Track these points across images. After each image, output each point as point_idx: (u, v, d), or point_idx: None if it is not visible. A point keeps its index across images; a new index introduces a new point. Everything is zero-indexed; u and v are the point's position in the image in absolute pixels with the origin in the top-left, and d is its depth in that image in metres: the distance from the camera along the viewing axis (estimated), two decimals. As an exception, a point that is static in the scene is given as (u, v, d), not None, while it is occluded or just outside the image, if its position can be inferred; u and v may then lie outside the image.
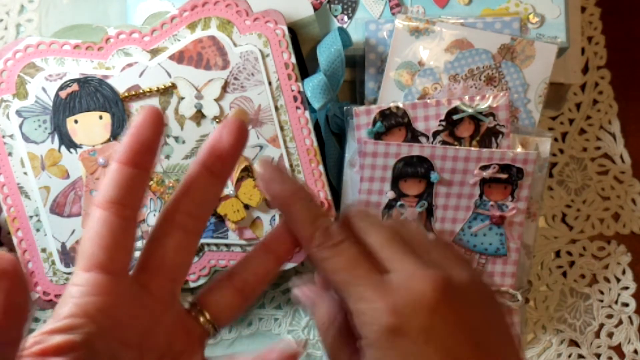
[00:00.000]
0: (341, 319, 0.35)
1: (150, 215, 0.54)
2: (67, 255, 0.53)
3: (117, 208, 0.30)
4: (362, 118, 0.54)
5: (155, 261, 0.32)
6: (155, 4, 0.57)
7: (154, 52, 0.54)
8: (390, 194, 0.54)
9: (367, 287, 0.32)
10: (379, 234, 0.35)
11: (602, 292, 0.63)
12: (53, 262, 0.53)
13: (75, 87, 0.53)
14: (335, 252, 0.33)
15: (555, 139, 0.64)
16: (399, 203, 0.54)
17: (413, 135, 0.55)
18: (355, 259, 0.33)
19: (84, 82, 0.53)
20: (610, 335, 0.62)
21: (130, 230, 0.31)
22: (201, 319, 0.33)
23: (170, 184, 0.54)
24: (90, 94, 0.53)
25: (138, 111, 0.30)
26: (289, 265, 0.55)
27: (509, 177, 0.54)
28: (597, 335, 0.62)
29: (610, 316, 0.62)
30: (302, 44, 0.57)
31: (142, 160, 0.30)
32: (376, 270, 0.33)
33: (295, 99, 0.54)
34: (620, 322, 0.63)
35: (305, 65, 0.57)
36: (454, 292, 0.32)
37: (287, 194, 0.34)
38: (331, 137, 0.57)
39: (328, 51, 0.55)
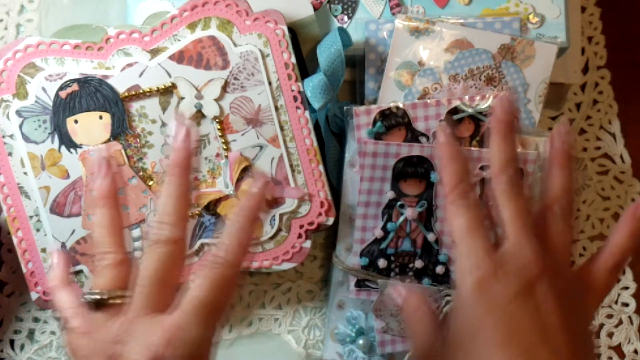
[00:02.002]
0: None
1: (151, 215, 0.54)
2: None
3: None
4: (362, 118, 0.54)
5: None
6: (155, 4, 0.57)
7: (154, 52, 0.54)
8: (390, 194, 0.54)
9: (476, 247, 0.38)
10: (514, 205, 0.39)
11: (602, 292, 0.63)
12: (53, 262, 0.53)
13: (75, 87, 0.53)
14: (466, 210, 0.39)
15: (555, 139, 0.64)
16: (399, 203, 0.54)
17: (413, 135, 0.55)
18: (478, 221, 0.39)
19: (84, 82, 0.53)
20: (610, 335, 0.62)
21: None
22: None
23: (170, 184, 0.54)
24: (90, 94, 0.53)
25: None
26: (289, 266, 0.55)
27: (509, 177, 0.54)
28: (597, 335, 0.62)
29: (610, 316, 0.62)
30: (302, 44, 0.57)
31: None
32: (490, 239, 0.39)
33: (295, 99, 0.54)
34: (620, 322, 0.63)
35: (305, 65, 0.57)
36: (550, 283, 0.38)
37: (449, 148, 0.42)
38: (331, 137, 0.57)
39: (328, 51, 0.55)
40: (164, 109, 0.54)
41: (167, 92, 0.54)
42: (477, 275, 0.37)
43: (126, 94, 0.53)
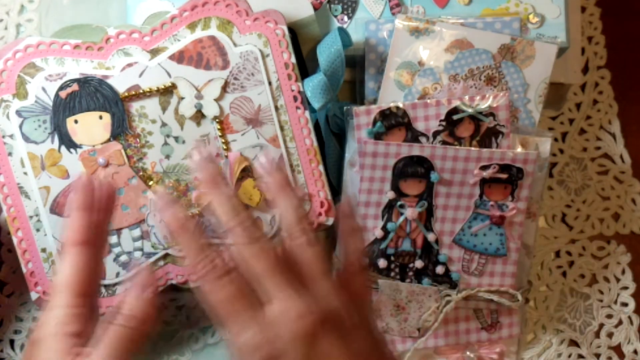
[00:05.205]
0: None
1: (151, 215, 0.54)
2: (67, 255, 0.53)
3: None
4: (362, 118, 0.54)
5: None
6: (155, 4, 0.57)
7: (154, 52, 0.54)
8: (390, 194, 0.54)
9: (244, 322, 0.35)
10: (264, 262, 0.36)
11: (602, 292, 0.63)
12: (53, 262, 0.53)
13: (75, 87, 0.53)
14: (216, 286, 0.35)
15: (555, 139, 0.64)
16: (399, 203, 0.54)
17: (413, 135, 0.55)
18: (234, 294, 0.35)
19: (84, 82, 0.53)
20: (610, 335, 0.62)
21: None
22: None
23: (170, 184, 0.54)
24: (90, 94, 0.53)
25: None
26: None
27: (509, 177, 0.54)
28: (597, 335, 0.62)
29: (610, 316, 0.63)
30: (302, 44, 0.57)
31: None
32: (255, 304, 0.35)
33: (295, 99, 0.54)
34: (620, 322, 0.63)
35: (305, 65, 0.57)
36: (331, 326, 0.35)
37: (175, 225, 0.37)
38: (331, 137, 0.57)
39: (328, 51, 0.55)
40: (164, 109, 0.54)
41: (167, 92, 0.54)
42: (258, 355, 0.35)
43: (126, 94, 0.53)
